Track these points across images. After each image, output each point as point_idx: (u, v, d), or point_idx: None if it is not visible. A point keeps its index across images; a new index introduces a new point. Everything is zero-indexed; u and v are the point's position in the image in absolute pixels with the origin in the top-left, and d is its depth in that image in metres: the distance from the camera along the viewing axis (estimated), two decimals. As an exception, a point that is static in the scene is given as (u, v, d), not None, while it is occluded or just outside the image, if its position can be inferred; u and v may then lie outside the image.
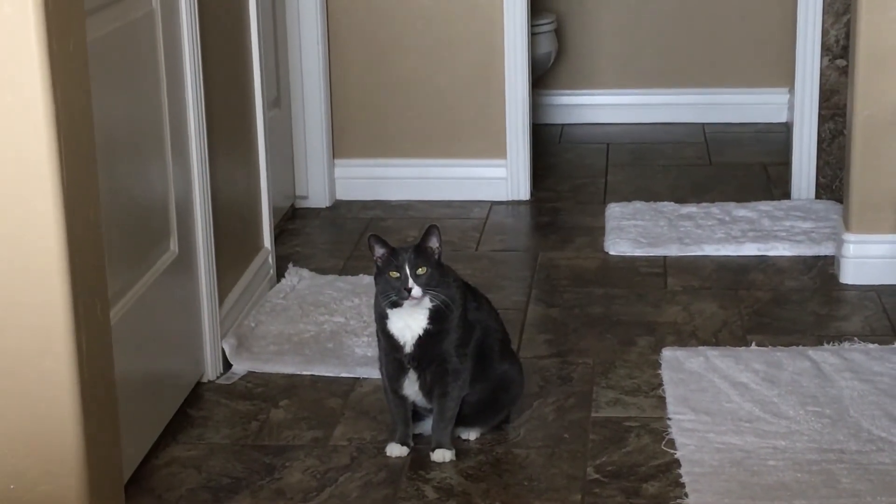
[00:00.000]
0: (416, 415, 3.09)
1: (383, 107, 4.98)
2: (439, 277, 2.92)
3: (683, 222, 4.60)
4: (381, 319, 2.98)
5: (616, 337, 3.70)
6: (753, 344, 3.60)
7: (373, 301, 3.05)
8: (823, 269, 4.19)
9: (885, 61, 3.92)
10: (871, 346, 3.56)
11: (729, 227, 4.54)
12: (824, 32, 4.73)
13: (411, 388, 3.01)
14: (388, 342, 2.99)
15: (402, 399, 3.04)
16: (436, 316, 2.94)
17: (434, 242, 2.92)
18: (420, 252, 2.91)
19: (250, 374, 3.52)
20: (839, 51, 4.72)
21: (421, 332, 2.95)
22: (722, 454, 2.99)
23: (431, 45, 4.92)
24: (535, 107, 5.80)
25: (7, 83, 2.34)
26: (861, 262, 4.05)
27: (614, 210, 4.76)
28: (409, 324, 2.95)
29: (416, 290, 2.88)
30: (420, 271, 2.89)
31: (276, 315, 3.85)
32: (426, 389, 3.00)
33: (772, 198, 4.91)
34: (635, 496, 2.86)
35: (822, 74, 4.77)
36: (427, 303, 2.92)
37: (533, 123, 5.17)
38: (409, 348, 2.96)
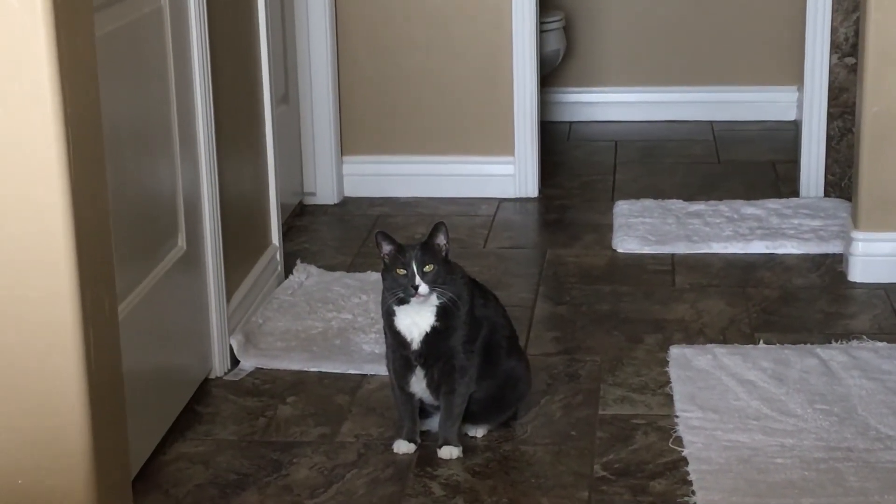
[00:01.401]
0: (424, 412, 3.09)
1: (391, 103, 4.98)
2: (446, 275, 2.92)
3: (692, 220, 4.60)
4: (389, 316, 2.98)
5: (624, 334, 3.70)
6: (761, 342, 3.60)
7: (380, 298, 3.05)
8: (832, 267, 4.18)
9: (894, 59, 3.91)
10: (879, 344, 3.56)
11: (737, 224, 4.53)
12: (833, 30, 4.73)
13: (418, 384, 3.01)
14: (395, 339, 2.99)
15: (410, 396, 3.03)
16: (443, 313, 2.94)
17: (441, 239, 2.92)
18: (427, 249, 2.90)
19: (258, 370, 3.52)
20: (848, 48, 4.71)
21: (428, 329, 2.95)
22: (729, 452, 2.99)
23: (439, 42, 4.92)
24: (544, 104, 5.79)
25: (15, 78, 2.34)
26: (869, 259, 4.04)
27: (622, 207, 4.75)
28: (416, 321, 2.95)
29: (423, 288, 2.88)
30: (427, 268, 2.89)
31: (283, 311, 3.85)
32: (433, 386, 3.00)
33: (780, 195, 4.91)
34: (642, 494, 2.86)
35: (831, 72, 4.76)
36: (434, 300, 2.92)
37: (541, 121, 5.16)
38: (416, 345, 2.96)
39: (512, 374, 3.09)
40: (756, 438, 3.04)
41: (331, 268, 4.24)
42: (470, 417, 3.07)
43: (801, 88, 4.96)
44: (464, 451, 3.03)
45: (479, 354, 3.00)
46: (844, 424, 3.10)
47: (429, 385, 3.00)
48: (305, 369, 3.51)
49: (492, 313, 3.06)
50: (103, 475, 2.55)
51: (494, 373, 3.05)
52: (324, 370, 3.50)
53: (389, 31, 4.92)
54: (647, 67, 6.08)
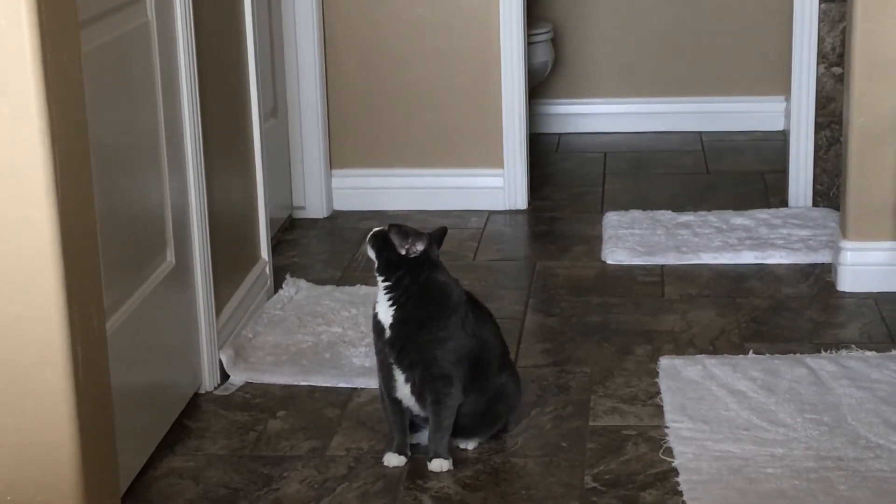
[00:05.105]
0: (414, 425, 3.09)
1: (380, 117, 4.99)
2: (394, 263, 2.96)
3: (681, 231, 4.60)
4: (374, 305, 3.04)
5: (613, 345, 3.70)
6: (751, 352, 3.60)
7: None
8: (821, 277, 4.19)
9: (881, 68, 3.92)
10: (868, 353, 3.56)
11: (726, 235, 4.54)
12: (820, 40, 4.74)
13: (402, 390, 3.01)
14: (374, 327, 3.02)
15: (399, 405, 3.03)
16: (397, 303, 2.97)
17: (400, 242, 2.97)
18: (400, 229, 2.99)
19: (248, 384, 3.52)
20: (835, 58, 4.72)
21: (391, 319, 2.98)
22: (720, 462, 2.99)
23: (428, 55, 4.92)
24: (532, 116, 5.80)
25: (1, 94, 2.34)
26: (858, 269, 4.05)
27: (612, 219, 4.76)
28: (384, 306, 3.00)
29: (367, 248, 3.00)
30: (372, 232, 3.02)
31: (273, 326, 3.85)
32: (417, 394, 3.00)
33: (769, 206, 4.92)
34: (633, 505, 2.87)
35: (818, 82, 4.77)
36: (384, 292, 2.98)
37: (530, 133, 5.17)
38: (388, 333, 2.98)
39: (502, 388, 3.09)
40: (746, 448, 3.04)
41: (320, 282, 4.24)
42: (460, 431, 3.07)
43: (788, 98, 4.97)
44: (454, 464, 3.03)
45: (465, 366, 3.00)
46: (834, 434, 3.10)
47: (413, 392, 3.00)
48: (295, 383, 3.51)
49: (484, 331, 3.06)
50: (93, 491, 2.54)
51: (484, 388, 3.05)
52: (314, 384, 3.50)
53: (378, 45, 4.93)
54: (635, 78, 6.09)
